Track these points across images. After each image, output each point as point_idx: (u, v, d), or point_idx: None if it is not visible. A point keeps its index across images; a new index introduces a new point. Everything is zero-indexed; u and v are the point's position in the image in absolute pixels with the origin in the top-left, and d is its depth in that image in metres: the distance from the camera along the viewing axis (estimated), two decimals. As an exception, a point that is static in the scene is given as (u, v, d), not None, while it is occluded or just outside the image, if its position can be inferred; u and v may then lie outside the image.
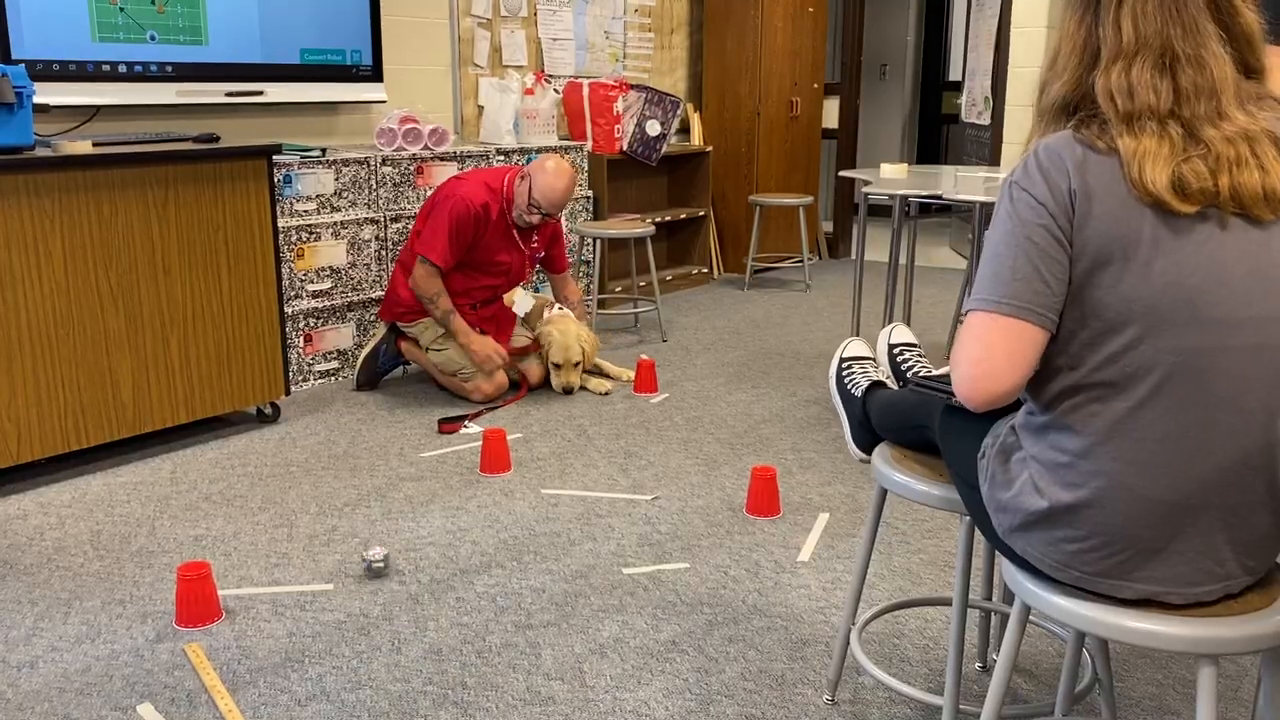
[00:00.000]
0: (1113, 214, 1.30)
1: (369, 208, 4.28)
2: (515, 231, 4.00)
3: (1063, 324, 1.35)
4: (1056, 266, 1.32)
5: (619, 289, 5.80)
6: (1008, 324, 1.32)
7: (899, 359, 2.08)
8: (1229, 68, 1.32)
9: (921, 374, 2.01)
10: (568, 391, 4.07)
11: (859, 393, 1.99)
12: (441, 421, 3.70)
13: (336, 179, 4.15)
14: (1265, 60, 1.37)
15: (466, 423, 3.74)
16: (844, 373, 2.06)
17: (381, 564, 2.57)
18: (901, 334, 2.12)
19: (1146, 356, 1.30)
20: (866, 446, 2.00)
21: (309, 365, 4.16)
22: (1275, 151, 1.31)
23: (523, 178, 3.92)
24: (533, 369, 4.15)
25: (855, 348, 2.10)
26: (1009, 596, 2.15)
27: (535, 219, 3.93)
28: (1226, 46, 1.33)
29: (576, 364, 4.06)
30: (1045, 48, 6.45)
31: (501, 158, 4.81)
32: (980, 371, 1.33)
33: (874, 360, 2.10)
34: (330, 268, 4.15)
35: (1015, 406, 1.54)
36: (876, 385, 2.00)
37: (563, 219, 4.28)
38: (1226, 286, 1.29)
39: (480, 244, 3.93)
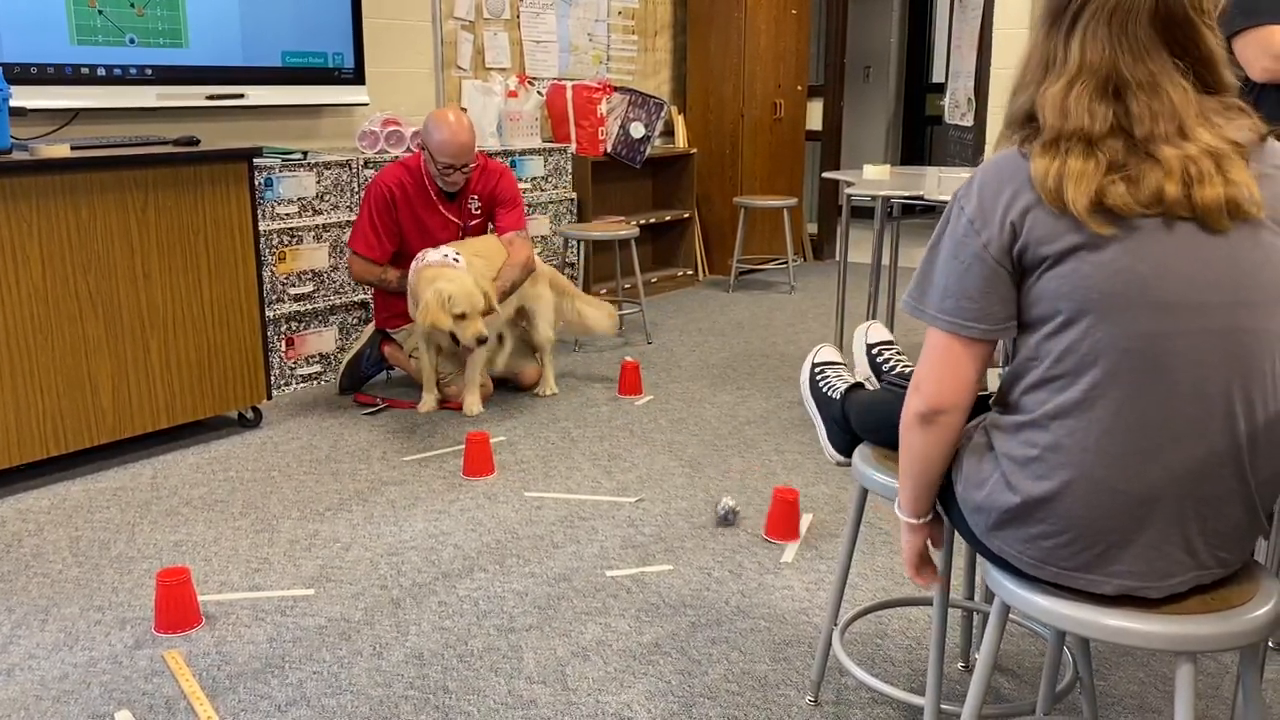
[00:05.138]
0: (1056, 217, 1.32)
1: (351, 211, 4.27)
2: (442, 203, 3.98)
3: (1030, 320, 1.37)
4: (989, 284, 1.37)
5: (604, 291, 5.79)
6: (948, 340, 1.42)
7: (878, 358, 2.08)
8: (1189, 93, 1.32)
9: (903, 371, 2.01)
10: (481, 341, 3.64)
11: (837, 395, 1.99)
12: (357, 394, 4.08)
13: (318, 182, 4.14)
14: (1228, 78, 1.37)
15: (380, 401, 4.00)
16: (818, 377, 2.06)
17: (731, 512, 2.90)
18: (879, 332, 2.12)
19: (1101, 343, 1.31)
20: (844, 449, 2.00)
21: (291, 369, 4.14)
22: (1243, 165, 1.31)
23: (421, 147, 3.92)
24: (528, 371, 4.14)
25: (827, 353, 2.10)
26: (990, 596, 2.15)
27: (453, 175, 3.90)
28: (1187, 75, 1.33)
29: (484, 312, 3.64)
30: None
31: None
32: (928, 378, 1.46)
33: (846, 365, 2.10)
34: (312, 271, 4.13)
35: (986, 407, 1.54)
36: (856, 387, 2.00)
37: (510, 173, 4.16)
38: (1178, 271, 1.30)
39: (407, 223, 3.92)
